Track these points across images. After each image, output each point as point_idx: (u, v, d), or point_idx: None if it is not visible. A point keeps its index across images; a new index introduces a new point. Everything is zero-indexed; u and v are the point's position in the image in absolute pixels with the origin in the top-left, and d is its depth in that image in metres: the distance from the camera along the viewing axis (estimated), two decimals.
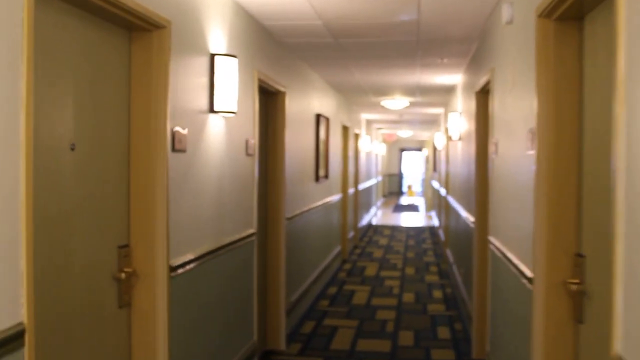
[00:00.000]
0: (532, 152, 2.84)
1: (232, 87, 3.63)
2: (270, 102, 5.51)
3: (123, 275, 2.79)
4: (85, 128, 2.54)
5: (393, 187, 29.48)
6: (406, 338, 5.99)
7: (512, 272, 3.31)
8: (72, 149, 2.44)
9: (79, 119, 2.50)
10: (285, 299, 5.69)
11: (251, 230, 4.52)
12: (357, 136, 12.80)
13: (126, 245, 2.89)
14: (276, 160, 5.56)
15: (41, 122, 2.24)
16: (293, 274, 6.25)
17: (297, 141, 6.33)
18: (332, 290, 8.16)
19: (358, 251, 11.66)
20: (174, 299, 3.07)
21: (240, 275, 4.25)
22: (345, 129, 10.85)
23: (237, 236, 4.11)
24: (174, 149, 3.03)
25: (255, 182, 4.62)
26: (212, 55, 3.55)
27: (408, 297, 7.81)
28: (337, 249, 9.79)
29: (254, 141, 4.58)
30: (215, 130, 3.67)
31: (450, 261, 8.92)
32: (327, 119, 8.32)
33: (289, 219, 5.87)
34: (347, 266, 10.02)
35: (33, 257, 1.97)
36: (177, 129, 3.07)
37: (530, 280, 2.83)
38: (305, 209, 6.88)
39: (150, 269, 2.93)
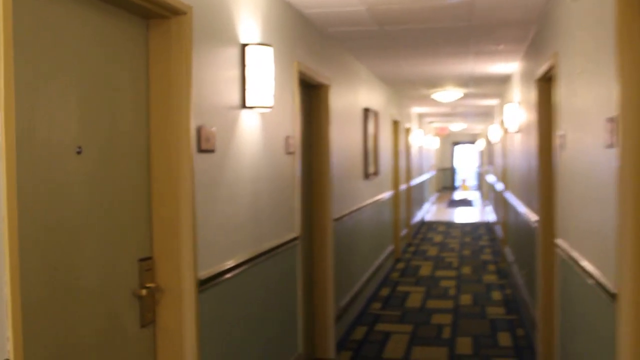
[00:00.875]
0: (612, 145, 2.42)
1: (266, 79, 3.30)
2: (313, 96, 5.17)
3: (144, 291, 2.49)
4: (95, 128, 2.24)
5: (446, 182, 28.83)
6: (464, 345, 5.58)
7: (588, 284, 2.88)
8: (79, 153, 2.15)
9: (87, 118, 2.20)
10: (334, 304, 5.36)
11: (294, 234, 4.19)
12: (408, 130, 12.37)
13: (149, 258, 2.59)
14: (321, 158, 5.22)
15: (38, 122, 1.95)
16: (342, 277, 5.91)
17: (344, 137, 5.98)
18: (385, 291, 7.79)
19: (412, 249, 11.25)
20: (204, 315, 2.76)
21: (282, 283, 3.94)
22: (395, 124, 10.45)
23: (277, 241, 3.79)
24: (200, 149, 2.72)
25: (297, 182, 4.29)
26: (243, 45, 3.23)
27: (465, 299, 7.38)
28: (390, 247, 9.41)
29: (295, 138, 4.26)
30: (249, 127, 3.35)
31: (509, 260, 8.43)
32: (376, 113, 7.94)
33: (336, 219, 5.53)
34: (401, 265, 9.63)
35: (20, 281, 1.68)
36: (204, 126, 2.76)
37: (612, 296, 2.41)
38: (354, 208, 6.53)
39: (175, 283, 2.63)
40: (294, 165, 4.26)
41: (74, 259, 2.13)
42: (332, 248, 5.30)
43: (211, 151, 2.84)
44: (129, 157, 2.47)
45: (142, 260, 2.55)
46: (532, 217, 5.36)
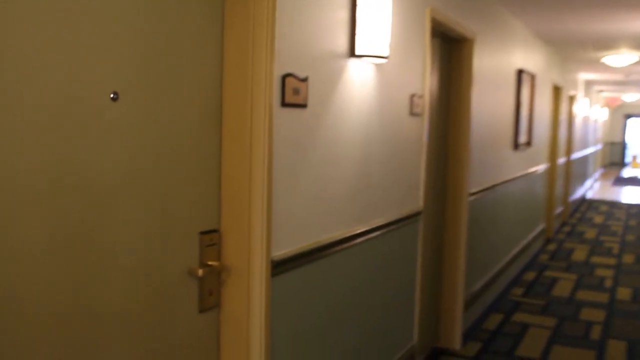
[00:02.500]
0: None
1: (383, 23, 2.73)
2: (452, 50, 4.51)
3: (201, 271, 2.06)
4: (140, 72, 1.81)
5: (614, 157, 26.51)
6: (616, 350, 4.76)
7: None
8: (114, 99, 1.73)
9: (129, 57, 1.77)
10: (464, 288, 4.74)
11: (415, 209, 3.62)
12: (572, 98, 11.18)
13: (213, 231, 2.16)
14: (459, 123, 4.57)
15: (53, 61, 1.54)
16: (477, 258, 5.26)
17: (490, 101, 5.26)
18: (529, 276, 7.01)
19: (566, 229, 10.21)
20: (278, 303, 2.30)
21: (396, 264, 3.40)
22: (556, 90, 9.40)
23: (392, 217, 3.25)
24: (284, 103, 2.23)
25: (423, 148, 3.70)
26: None
27: (623, 293, 6.43)
28: (540, 226, 8.52)
29: (424, 97, 3.65)
30: (359, 80, 2.81)
31: None
32: (533, 77, 7.06)
33: (473, 193, 4.87)
34: (551, 247, 8.71)
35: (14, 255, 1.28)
36: (292, 75, 2.26)
37: None
38: (499, 181, 5.80)
39: (244, 262, 2.19)
40: (421, 129, 3.66)
41: (105, 233, 1.73)
42: (466, 225, 4.67)
43: (301, 105, 2.34)
44: (192, 109, 2.02)
45: (204, 233, 2.12)
46: None
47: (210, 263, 2.13)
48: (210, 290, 2.16)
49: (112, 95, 1.72)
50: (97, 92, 1.67)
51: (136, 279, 1.85)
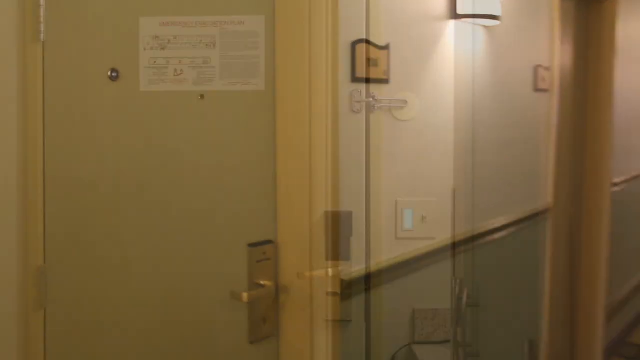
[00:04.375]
0: None
1: None
2: (589, 13, 3.79)
3: (245, 296, 1.62)
4: None
5: None
6: None
7: None
8: (113, 79, 1.32)
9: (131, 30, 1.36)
10: (605, 295, 4.03)
11: (542, 205, 3.01)
12: None
13: (267, 242, 1.71)
14: (597, 101, 3.85)
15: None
16: (622, 260, 4.49)
17: (637, 74, 4.46)
18: None
19: None
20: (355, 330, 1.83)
21: (514, 275, 2.81)
22: None
23: (509, 218, 2.68)
24: (355, 78, 1.74)
25: (552, 131, 3.08)
26: None
27: None
28: None
29: (553, 70, 3.02)
30: (464, 48, 2.25)
31: None
32: None
33: (617, 184, 4.13)
34: None
35: None
36: (365, 42, 1.76)
37: None
38: None
39: (307, 281, 1.73)
40: (549, 108, 3.04)
41: (114, 236, 1.34)
42: (608, 223, 3.95)
43: (380, 81, 1.84)
44: (233, 93, 1.59)
45: (254, 245, 1.68)
46: None
47: (262, 283, 1.69)
48: (264, 316, 1.72)
49: (110, 74, 1.31)
50: (92, 69, 1.27)
51: (162, 304, 1.45)
